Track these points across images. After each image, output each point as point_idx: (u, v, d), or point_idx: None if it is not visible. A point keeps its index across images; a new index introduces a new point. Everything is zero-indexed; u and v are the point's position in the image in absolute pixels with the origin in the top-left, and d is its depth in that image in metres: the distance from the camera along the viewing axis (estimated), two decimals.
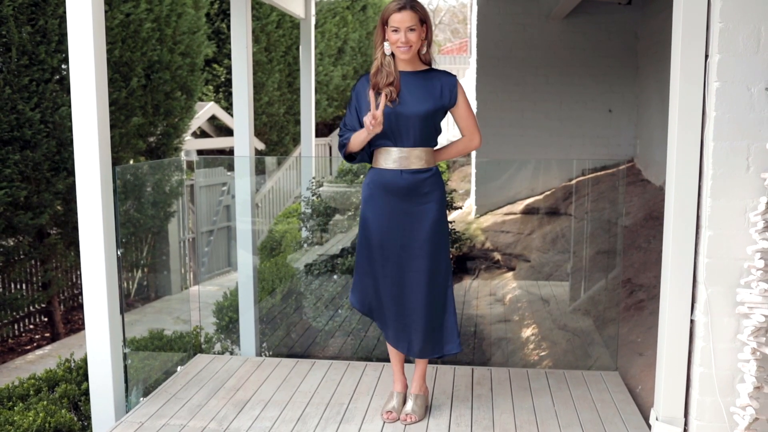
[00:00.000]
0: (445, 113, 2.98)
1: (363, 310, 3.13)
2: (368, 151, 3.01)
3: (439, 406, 3.24)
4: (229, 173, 9.11)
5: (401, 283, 2.99)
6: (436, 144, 3.00)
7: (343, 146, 3.01)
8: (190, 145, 9.75)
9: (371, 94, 2.83)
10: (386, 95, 2.85)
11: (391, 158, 2.93)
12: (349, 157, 3.04)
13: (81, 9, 2.89)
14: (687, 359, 2.75)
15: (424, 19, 2.84)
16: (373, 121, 2.77)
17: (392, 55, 2.88)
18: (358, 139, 2.93)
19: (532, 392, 3.40)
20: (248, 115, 4.24)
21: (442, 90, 2.92)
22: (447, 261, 3.03)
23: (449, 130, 11.15)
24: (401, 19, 2.79)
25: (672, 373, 2.76)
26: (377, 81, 2.88)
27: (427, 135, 2.93)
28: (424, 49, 2.91)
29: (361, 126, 2.90)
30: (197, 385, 3.53)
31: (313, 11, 6.40)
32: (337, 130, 3.10)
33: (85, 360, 3.65)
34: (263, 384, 3.54)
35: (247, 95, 4.24)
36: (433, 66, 2.99)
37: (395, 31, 2.81)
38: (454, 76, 2.99)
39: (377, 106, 2.79)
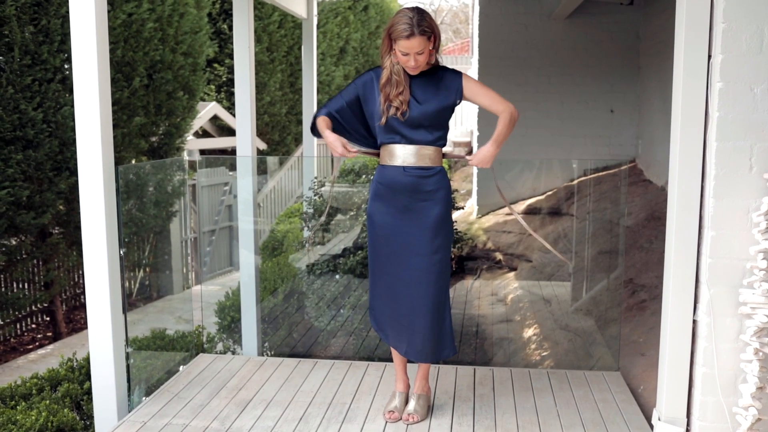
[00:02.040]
0: (452, 111, 2.97)
1: (378, 327, 3.15)
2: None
3: (441, 406, 3.24)
4: (231, 173, 9.11)
5: (401, 281, 2.99)
6: (444, 143, 2.99)
7: (314, 117, 3.01)
8: (192, 144, 9.75)
9: (383, 105, 2.85)
10: (396, 107, 2.85)
11: (396, 156, 2.94)
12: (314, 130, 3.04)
13: (84, 9, 2.90)
14: (689, 359, 2.75)
15: (431, 34, 2.79)
16: (343, 153, 2.82)
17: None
18: (322, 128, 2.92)
19: (534, 392, 3.40)
20: (250, 115, 4.24)
21: (447, 89, 2.91)
22: (447, 262, 3.02)
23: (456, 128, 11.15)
24: (410, 46, 2.75)
25: (674, 374, 2.76)
26: (388, 92, 2.87)
27: (434, 134, 2.93)
28: (433, 59, 2.90)
29: (344, 110, 2.94)
30: (199, 385, 3.53)
31: (315, 11, 6.41)
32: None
33: (87, 359, 3.66)
34: (265, 384, 3.54)
35: (249, 95, 4.24)
36: (440, 64, 2.97)
37: (404, 54, 2.78)
38: (459, 72, 2.96)
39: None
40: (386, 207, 2.99)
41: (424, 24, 2.74)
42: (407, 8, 2.81)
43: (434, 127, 2.91)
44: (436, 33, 2.81)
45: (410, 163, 2.92)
